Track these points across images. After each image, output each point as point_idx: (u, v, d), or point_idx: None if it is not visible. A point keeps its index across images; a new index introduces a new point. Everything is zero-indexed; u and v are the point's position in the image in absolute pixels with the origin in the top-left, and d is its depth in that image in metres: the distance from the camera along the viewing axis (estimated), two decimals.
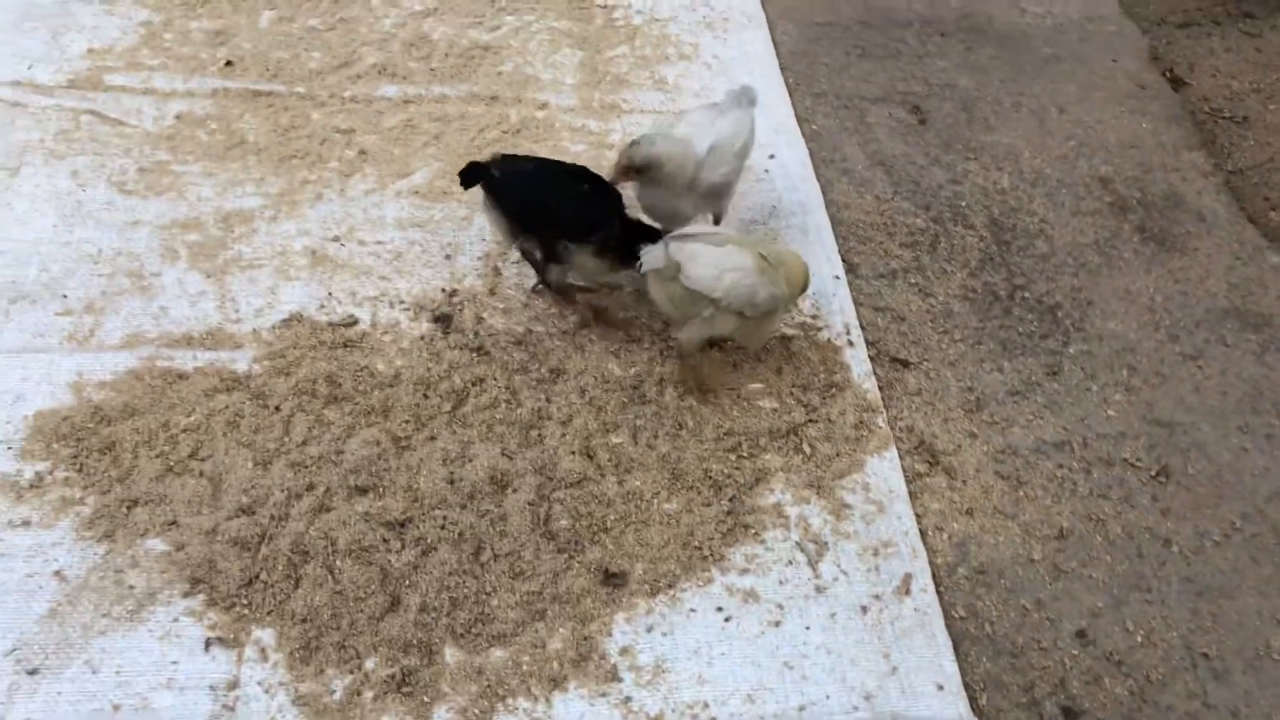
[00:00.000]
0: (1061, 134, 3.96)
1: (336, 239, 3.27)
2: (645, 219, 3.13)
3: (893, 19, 4.45)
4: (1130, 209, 3.68)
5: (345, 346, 2.96)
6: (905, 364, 3.11)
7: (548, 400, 2.89)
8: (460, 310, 3.09)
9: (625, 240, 2.93)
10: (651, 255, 2.79)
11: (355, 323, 3.03)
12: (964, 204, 3.63)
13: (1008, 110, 4.04)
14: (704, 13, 4.34)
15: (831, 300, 3.22)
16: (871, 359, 3.08)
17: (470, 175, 2.98)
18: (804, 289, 2.98)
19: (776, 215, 3.49)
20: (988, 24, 4.47)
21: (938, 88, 4.11)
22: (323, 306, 3.07)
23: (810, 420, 2.91)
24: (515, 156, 3.12)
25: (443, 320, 3.06)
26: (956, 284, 3.35)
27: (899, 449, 2.88)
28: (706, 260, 2.78)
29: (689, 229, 2.96)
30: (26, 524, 2.54)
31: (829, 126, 3.89)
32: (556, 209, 2.96)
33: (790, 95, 3.98)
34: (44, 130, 3.50)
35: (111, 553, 2.51)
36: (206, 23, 4.02)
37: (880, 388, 3.02)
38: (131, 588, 2.45)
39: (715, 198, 3.17)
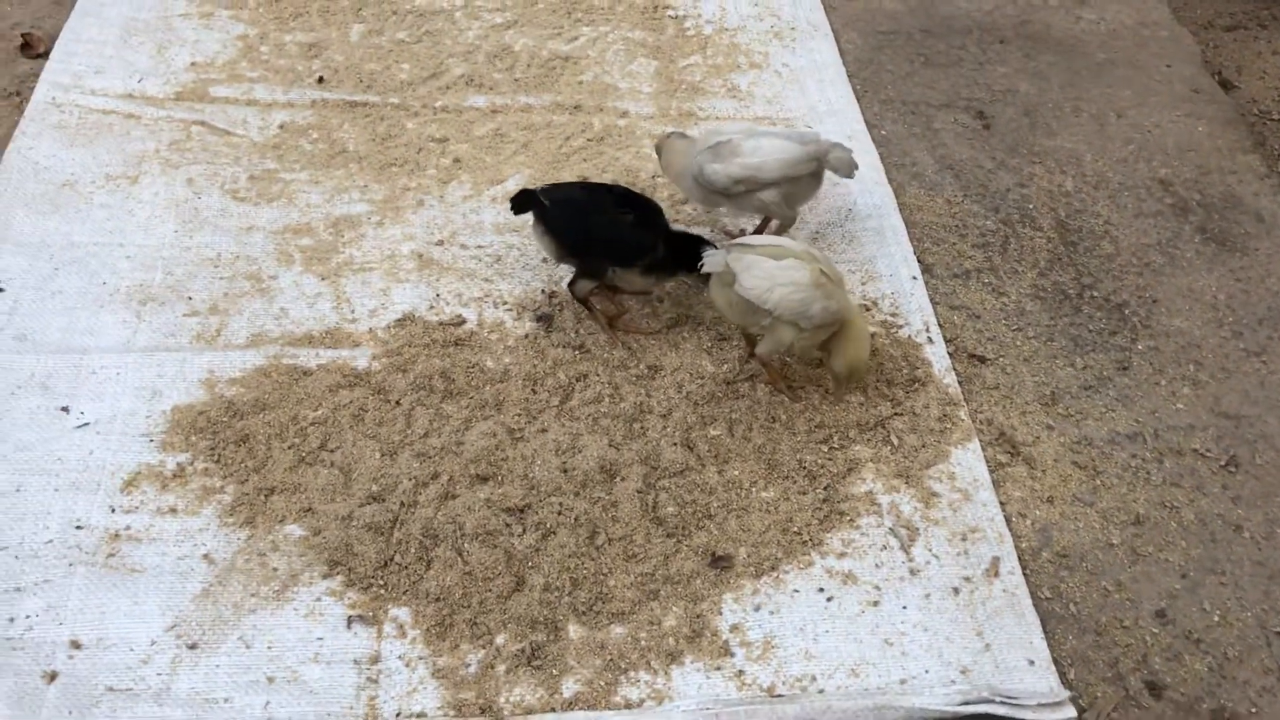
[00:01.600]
0: (1121, 138, 4.11)
1: (440, 243, 3.45)
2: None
3: (953, 27, 4.60)
4: (1190, 210, 3.82)
5: (456, 345, 3.15)
6: (982, 360, 3.27)
7: (648, 395, 3.06)
8: (560, 310, 3.27)
9: (670, 254, 3.12)
10: (713, 259, 2.96)
11: (463, 322, 3.22)
12: (1031, 206, 3.78)
13: (1068, 115, 4.19)
14: (771, 22, 4.50)
15: (910, 299, 3.39)
16: (950, 355, 3.25)
17: (522, 202, 3.17)
18: (858, 371, 2.99)
19: (852, 218, 3.65)
20: (1045, 31, 4.62)
21: (1000, 94, 4.27)
22: (432, 307, 3.26)
23: (896, 413, 3.08)
24: (563, 184, 3.31)
25: (544, 320, 3.24)
26: (1027, 283, 3.51)
27: (980, 440, 3.04)
28: (760, 272, 2.90)
29: (753, 238, 3.08)
30: (174, 511, 2.74)
31: (897, 132, 4.05)
32: (604, 237, 3.12)
33: (858, 101, 4.14)
34: (158, 140, 3.70)
35: (253, 537, 2.70)
36: (300, 36, 4.21)
37: (960, 382, 3.18)
38: (275, 570, 2.64)
39: (713, 193, 3.32)
